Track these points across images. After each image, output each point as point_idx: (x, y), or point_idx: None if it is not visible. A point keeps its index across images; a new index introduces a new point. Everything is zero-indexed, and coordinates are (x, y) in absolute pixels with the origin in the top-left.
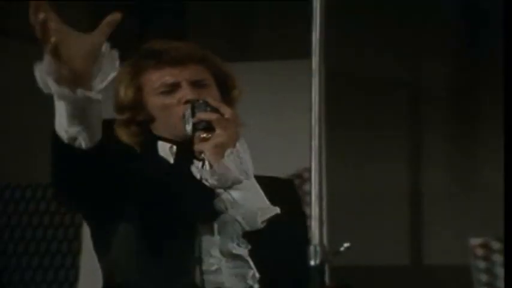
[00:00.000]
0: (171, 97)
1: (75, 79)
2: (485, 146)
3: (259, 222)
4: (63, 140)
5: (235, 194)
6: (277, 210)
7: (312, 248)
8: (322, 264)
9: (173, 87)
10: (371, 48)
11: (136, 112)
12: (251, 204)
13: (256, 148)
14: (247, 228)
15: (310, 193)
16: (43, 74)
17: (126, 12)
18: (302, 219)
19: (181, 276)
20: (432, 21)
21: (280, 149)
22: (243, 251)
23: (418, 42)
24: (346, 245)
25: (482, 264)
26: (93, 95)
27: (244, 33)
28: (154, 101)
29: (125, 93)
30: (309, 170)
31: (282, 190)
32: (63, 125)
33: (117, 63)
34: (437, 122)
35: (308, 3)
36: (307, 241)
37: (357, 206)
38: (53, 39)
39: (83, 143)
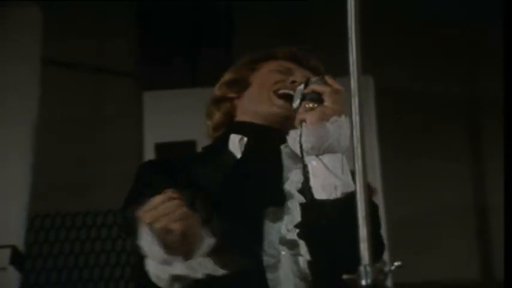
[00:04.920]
0: (281, 76)
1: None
2: None
3: (339, 192)
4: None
5: (325, 158)
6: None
7: (362, 268)
8: (374, 283)
9: (288, 71)
10: (431, 65)
11: (233, 86)
12: (337, 174)
13: None
14: (322, 197)
15: (357, 215)
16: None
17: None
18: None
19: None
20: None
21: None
22: (294, 235)
23: (478, 58)
24: (396, 263)
25: None
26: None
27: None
28: (264, 75)
29: (237, 72)
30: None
31: None
32: (160, 274)
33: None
34: (500, 134)
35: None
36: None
37: (425, 222)
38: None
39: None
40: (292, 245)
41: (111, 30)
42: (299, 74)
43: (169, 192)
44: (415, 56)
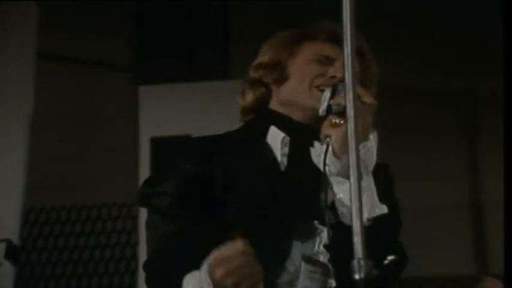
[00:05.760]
0: (321, 67)
1: None
2: None
3: (366, 219)
4: None
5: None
6: (385, 209)
7: (355, 262)
8: (367, 277)
9: (327, 60)
10: (426, 61)
11: (271, 71)
12: (364, 198)
13: None
14: (347, 221)
15: (350, 209)
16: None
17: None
18: (394, 213)
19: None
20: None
21: None
22: (325, 258)
23: (475, 54)
24: (390, 257)
25: None
26: None
27: None
28: (302, 65)
29: (274, 53)
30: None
31: (376, 174)
32: None
33: None
34: (496, 131)
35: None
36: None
37: (420, 218)
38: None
39: None
40: (321, 267)
41: (108, 25)
42: (340, 62)
43: (240, 244)
44: (410, 51)
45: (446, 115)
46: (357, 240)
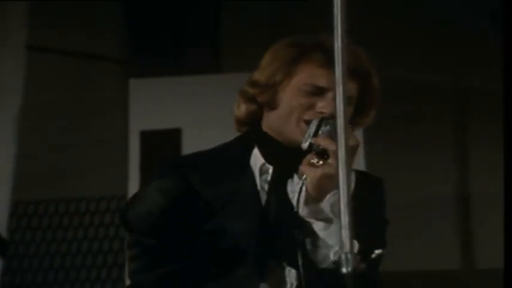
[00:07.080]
0: (311, 99)
1: None
2: None
3: (332, 261)
4: None
5: (319, 225)
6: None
7: (343, 256)
8: (354, 271)
9: (320, 91)
10: (416, 57)
11: (265, 91)
12: (333, 241)
13: None
14: (320, 266)
15: (339, 203)
16: None
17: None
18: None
19: None
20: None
21: None
22: None
23: (465, 51)
24: (377, 251)
25: None
26: None
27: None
28: (292, 94)
29: (270, 74)
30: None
31: (370, 188)
32: None
33: None
34: (486, 127)
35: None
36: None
37: (409, 213)
38: None
39: None
40: None
41: (99, 18)
42: (331, 94)
43: None
44: (401, 45)
45: (433, 110)
46: (345, 234)
